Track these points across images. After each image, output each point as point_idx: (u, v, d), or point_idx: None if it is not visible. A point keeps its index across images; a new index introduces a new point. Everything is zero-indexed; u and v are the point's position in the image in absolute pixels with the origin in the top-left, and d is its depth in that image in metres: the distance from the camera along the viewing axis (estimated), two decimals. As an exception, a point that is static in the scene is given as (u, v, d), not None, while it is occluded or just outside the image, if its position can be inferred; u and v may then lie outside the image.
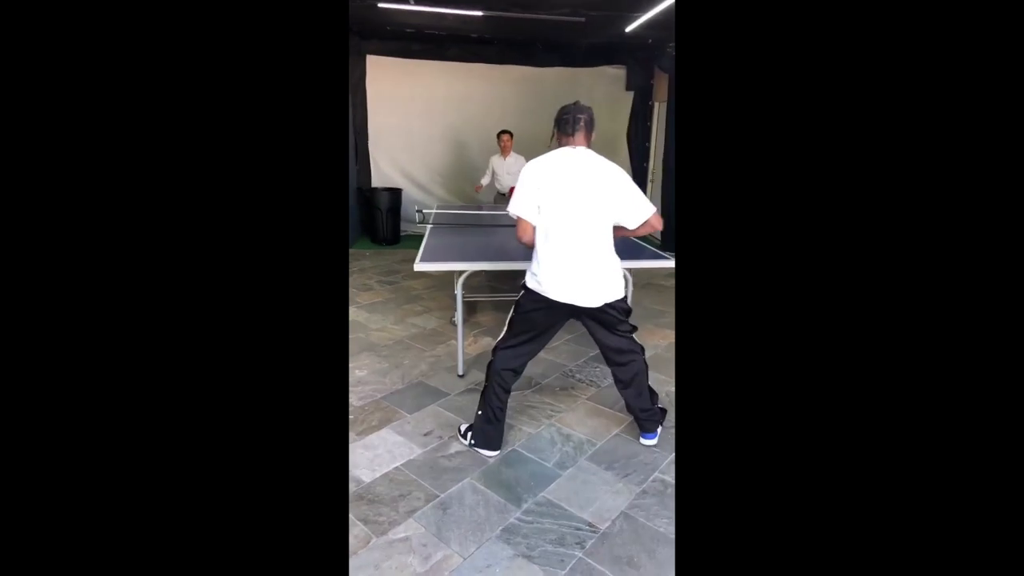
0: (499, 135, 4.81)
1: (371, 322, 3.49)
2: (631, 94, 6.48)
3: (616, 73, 6.46)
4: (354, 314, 3.63)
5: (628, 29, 4.91)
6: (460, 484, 1.89)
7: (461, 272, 2.65)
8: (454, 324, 3.44)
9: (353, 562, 1.54)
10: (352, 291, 4.13)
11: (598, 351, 3.06)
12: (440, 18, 5.00)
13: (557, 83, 6.33)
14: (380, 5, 4.74)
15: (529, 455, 2.08)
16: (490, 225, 3.75)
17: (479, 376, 2.75)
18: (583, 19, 4.91)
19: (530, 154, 4.96)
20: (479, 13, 4.83)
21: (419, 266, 2.49)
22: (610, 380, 2.74)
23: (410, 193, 6.18)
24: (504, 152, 4.81)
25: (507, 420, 2.32)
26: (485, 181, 5.02)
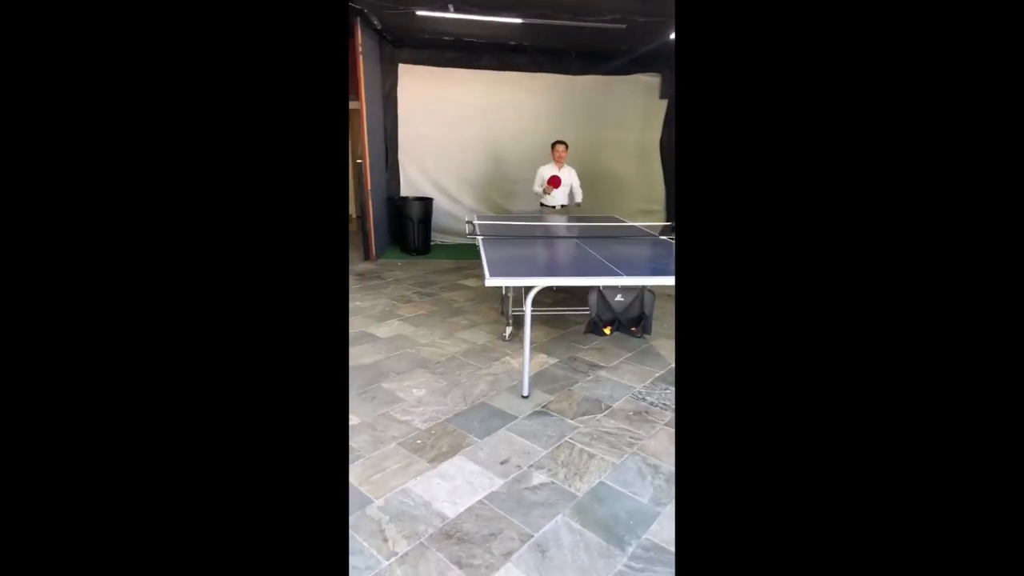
0: (554, 145, 4.36)
1: (419, 336, 3.35)
2: (665, 102, 6.36)
3: (650, 81, 6.35)
4: (399, 328, 3.50)
5: (673, 36, 4.80)
6: (553, 521, 1.74)
7: (529, 288, 2.51)
8: (504, 339, 3.32)
9: (456, 614, 1.39)
10: (392, 303, 4.00)
11: (663, 371, 2.93)
12: (478, 25, 4.91)
13: (591, 91, 6.23)
14: (419, 13, 4.66)
15: (620, 489, 1.92)
16: (542, 237, 3.62)
17: (543, 397, 2.61)
18: (624, 26, 4.81)
19: (569, 162, 4.82)
20: (518, 20, 4.74)
21: (491, 282, 2.35)
22: (685, 403, 2.59)
23: (440, 203, 6.07)
24: (558, 162, 4.38)
25: (585, 448, 2.17)
26: (539, 189, 4.49)
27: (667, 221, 6.41)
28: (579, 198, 4.50)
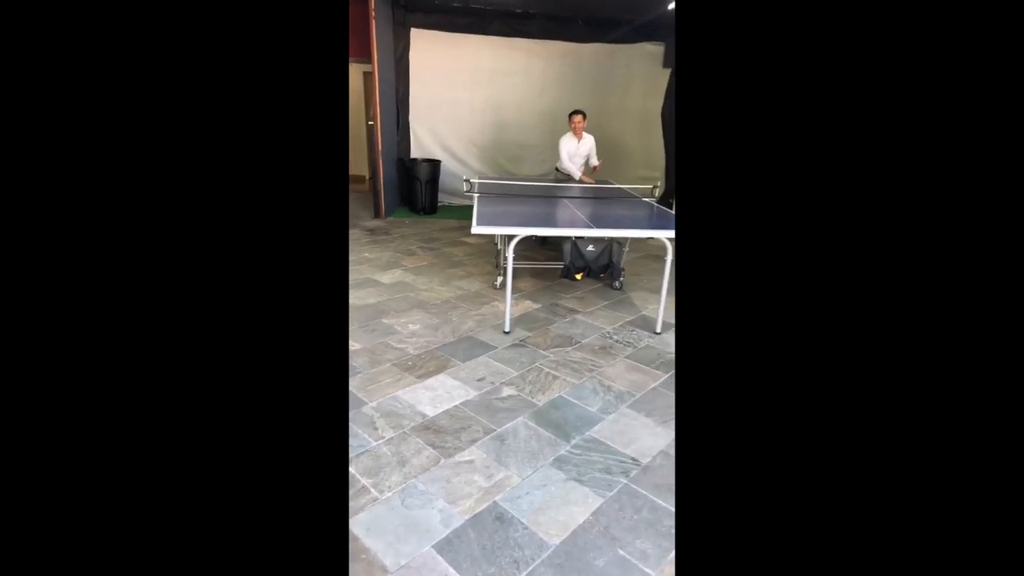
0: (571, 116, 4.45)
1: (418, 283, 3.72)
2: (668, 71, 6.49)
3: (654, 50, 6.47)
4: (401, 276, 3.86)
5: (670, 7, 4.94)
6: (514, 422, 2.12)
7: (511, 237, 2.84)
8: (495, 288, 3.67)
9: (426, 476, 1.78)
10: (397, 256, 4.36)
11: (634, 317, 3.26)
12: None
13: (596, 58, 6.38)
14: (429, -22, 4.85)
15: (574, 401, 2.29)
16: (534, 196, 3.92)
17: (523, 333, 2.96)
18: (627, -5, 4.96)
19: (566, 130, 5.03)
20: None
21: (476, 229, 2.68)
22: (647, 342, 2.93)
23: (448, 165, 6.35)
24: (576, 133, 4.49)
25: (552, 371, 2.53)
26: (569, 165, 4.65)
27: (664, 188, 6.62)
28: (594, 161, 4.72)
